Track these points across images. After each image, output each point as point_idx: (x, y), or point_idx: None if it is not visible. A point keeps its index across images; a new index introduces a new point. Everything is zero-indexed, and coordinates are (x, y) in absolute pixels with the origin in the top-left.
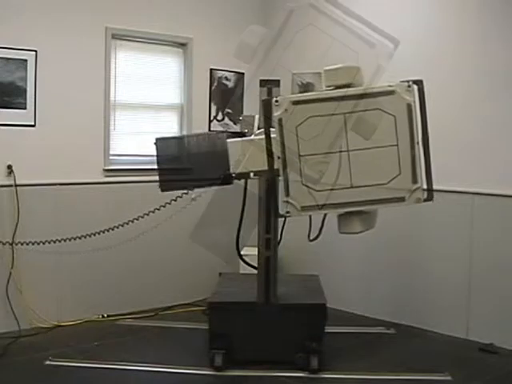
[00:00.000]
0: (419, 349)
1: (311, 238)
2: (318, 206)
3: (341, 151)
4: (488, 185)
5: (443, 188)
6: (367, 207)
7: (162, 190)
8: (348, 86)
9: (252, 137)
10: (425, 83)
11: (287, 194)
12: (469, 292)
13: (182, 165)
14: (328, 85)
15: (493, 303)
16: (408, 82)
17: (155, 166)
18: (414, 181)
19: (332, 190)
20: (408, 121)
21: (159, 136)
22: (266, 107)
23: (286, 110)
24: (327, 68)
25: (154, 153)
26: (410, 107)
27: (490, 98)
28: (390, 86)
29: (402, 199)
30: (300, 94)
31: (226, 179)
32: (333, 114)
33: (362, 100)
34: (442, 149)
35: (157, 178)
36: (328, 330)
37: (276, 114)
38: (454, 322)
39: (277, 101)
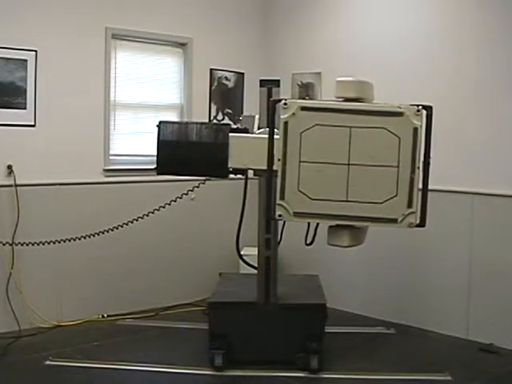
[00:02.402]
0: (419, 349)
1: (307, 242)
2: (310, 214)
3: (341, 164)
4: (488, 185)
5: (443, 188)
6: (359, 223)
7: (158, 173)
8: (358, 100)
9: (255, 135)
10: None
11: (282, 197)
12: (469, 292)
13: (181, 151)
14: (338, 96)
15: (493, 303)
16: (418, 106)
17: (155, 166)
18: (409, 205)
19: (327, 200)
20: (412, 144)
21: (163, 119)
22: (274, 108)
23: (293, 113)
24: (340, 79)
25: (156, 135)
26: (416, 131)
27: (492, 99)
28: (399, 107)
29: (394, 221)
30: (310, 101)
31: (223, 172)
32: (339, 126)
33: (370, 116)
34: (442, 149)
35: (156, 178)
36: (328, 329)
37: (283, 116)
38: (454, 322)
39: (285, 103)
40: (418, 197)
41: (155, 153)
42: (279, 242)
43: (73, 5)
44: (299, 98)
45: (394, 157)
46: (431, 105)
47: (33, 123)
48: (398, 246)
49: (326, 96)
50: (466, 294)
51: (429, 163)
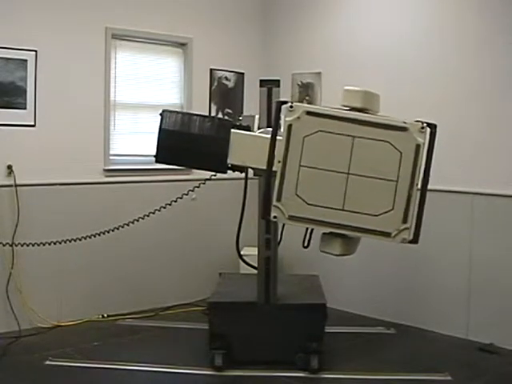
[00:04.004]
0: (419, 349)
1: (305, 244)
2: (305, 219)
3: (341, 172)
4: (488, 185)
5: (443, 188)
6: (352, 233)
7: (157, 161)
8: (364, 110)
9: (257, 133)
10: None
11: (279, 199)
12: (469, 292)
13: (182, 142)
14: (344, 104)
15: (493, 303)
16: (423, 123)
17: (155, 166)
18: (405, 220)
19: (323, 207)
20: (413, 161)
21: (166, 108)
22: (279, 109)
23: (298, 117)
24: (348, 88)
25: (158, 123)
26: (418, 148)
27: (492, 99)
28: (404, 122)
29: (388, 235)
30: (316, 106)
31: (221, 167)
32: (342, 135)
33: (373, 128)
34: (442, 149)
35: (156, 178)
36: (328, 330)
37: (288, 119)
38: (454, 322)
39: (291, 106)
40: (414, 213)
41: (155, 141)
42: (279, 242)
43: (73, 5)
44: (299, 98)
45: (394, 171)
46: (435, 123)
47: (33, 123)
48: (397, 246)
49: (326, 96)
50: (466, 294)
51: (427, 181)
